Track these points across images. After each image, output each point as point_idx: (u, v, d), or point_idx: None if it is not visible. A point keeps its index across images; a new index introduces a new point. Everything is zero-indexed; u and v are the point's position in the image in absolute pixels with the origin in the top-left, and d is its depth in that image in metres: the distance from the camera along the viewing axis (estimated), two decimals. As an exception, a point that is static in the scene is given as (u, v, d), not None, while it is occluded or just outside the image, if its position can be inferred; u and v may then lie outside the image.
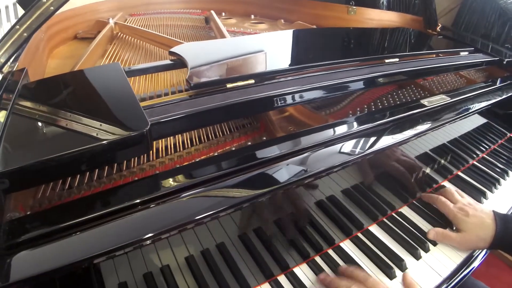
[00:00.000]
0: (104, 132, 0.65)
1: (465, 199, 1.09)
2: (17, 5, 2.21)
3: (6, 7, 2.14)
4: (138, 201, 0.66)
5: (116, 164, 0.81)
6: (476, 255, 1.02)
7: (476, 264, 1.00)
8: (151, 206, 0.67)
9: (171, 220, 0.66)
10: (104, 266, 0.64)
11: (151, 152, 0.87)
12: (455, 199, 1.08)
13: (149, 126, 0.67)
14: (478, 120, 1.40)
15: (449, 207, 1.04)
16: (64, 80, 0.88)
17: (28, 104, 0.75)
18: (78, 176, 0.76)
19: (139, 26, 1.75)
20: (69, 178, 0.76)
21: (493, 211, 1.02)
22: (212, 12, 1.96)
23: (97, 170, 0.78)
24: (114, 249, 0.61)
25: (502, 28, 1.83)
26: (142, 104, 0.76)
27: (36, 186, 0.71)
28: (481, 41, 1.82)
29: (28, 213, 0.64)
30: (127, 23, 1.79)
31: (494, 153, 1.47)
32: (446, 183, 1.24)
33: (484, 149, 1.45)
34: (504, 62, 1.57)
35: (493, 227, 0.98)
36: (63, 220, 0.60)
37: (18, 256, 0.55)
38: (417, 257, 0.95)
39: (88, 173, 0.78)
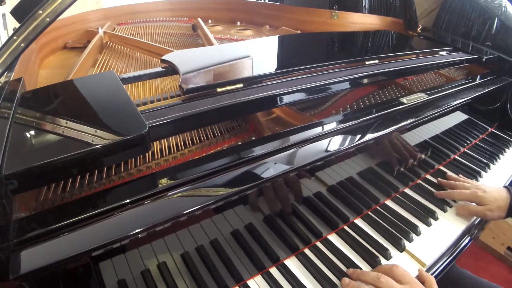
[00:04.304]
0: (106, 135, 0.69)
1: (474, 184, 1.21)
2: (5, 16, 2.23)
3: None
4: (132, 199, 0.70)
5: (114, 167, 0.85)
6: (459, 245, 1.06)
7: (455, 253, 1.04)
8: (145, 203, 0.70)
9: (162, 215, 0.70)
10: (103, 264, 0.68)
11: (147, 154, 0.91)
12: (467, 187, 1.18)
13: (147, 129, 0.71)
14: (459, 117, 1.45)
15: (467, 193, 1.15)
16: (62, 88, 0.91)
17: (28, 112, 0.78)
18: (79, 178, 0.80)
19: (128, 35, 1.77)
20: (71, 181, 0.80)
21: (504, 186, 1.20)
22: (199, 19, 1.99)
23: (97, 172, 0.82)
24: (110, 243, 0.64)
25: (482, 26, 1.87)
26: (139, 109, 0.79)
27: (41, 187, 0.75)
28: (461, 40, 1.86)
29: (33, 213, 0.67)
30: (116, 32, 1.81)
31: (475, 147, 1.52)
32: (428, 177, 1.29)
33: (465, 144, 1.50)
34: (483, 60, 1.61)
35: (509, 197, 1.11)
36: (65, 218, 0.64)
37: (26, 251, 0.59)
38: (401, 247, 0.99)
39: (89, 175, 0.82)
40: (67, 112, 0.78)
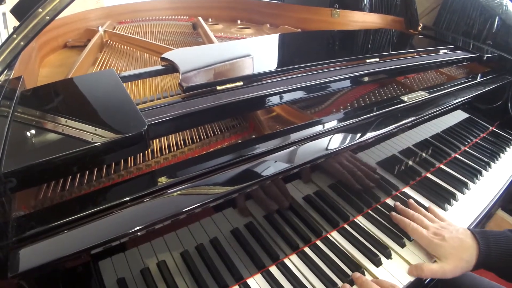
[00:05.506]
0: (105, 133, 0.69)
1: (436, 223, 1.01)
2: (5, 15, 2.22)
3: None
4: (132, 197, 0.70)
5: (114, 165, 0.85)
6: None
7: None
8: (145, 201, 0.70)
9: (161, 213, 0.69)
10: (103, 262, 0.68)
11: (147, 152, 0.91)
12: (426, 225, 1.00)
13: (146, 126, 0.71)
14: (460, 115, 1.45)
15: (422, 233, 0.96)
16: (61, 86, 0.91)
17: (27, 110, 0.78)
18: (79, 177, 0.80)
19: (128, 33, 1.77)
20: (70, 180, 0.80)
21: (468, 229, 0.96)
22: (199, 18, 1.99)
23: (96, 171, 0.82)
24: (109, 240, 0.64)
25: (483, 25, 1.87)
26: (138, 107, 0.79)
27: (40, 185, 0.75)
28: (462, 39, 1.86)
29: (32, 211, 0.67)
30: (116, 31, 1.81)
31: (476, 146, 1.51)
32: (429, 175, 1.29)
33: (466, 143, 1.49)
34: (484, 58, 1.60)
35: (475, 246, 0.90)
36: (64, 216, 0.64)
37: (25, 249, 0.59)
38: (402, 245, 0.99)
39: (88, 173, 0.81)
40: (67, 110, 0.79)
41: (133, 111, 0.76)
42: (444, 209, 1.14)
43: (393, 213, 1.06)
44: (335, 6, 2.11)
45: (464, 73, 1.69)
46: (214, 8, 2.31)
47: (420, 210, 1.08)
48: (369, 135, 1.00)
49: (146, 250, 0.74)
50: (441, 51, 1.57)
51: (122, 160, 0.86)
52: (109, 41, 1.70)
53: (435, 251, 0.94)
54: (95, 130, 0.70)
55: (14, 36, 0.81)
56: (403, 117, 1.10)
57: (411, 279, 0.91)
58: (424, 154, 1.27)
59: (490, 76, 1.55)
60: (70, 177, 0.79)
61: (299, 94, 1.05)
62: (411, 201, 1.12)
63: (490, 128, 1.65)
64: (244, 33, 2.05)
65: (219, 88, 0.97)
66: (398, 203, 1.10)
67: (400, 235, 1.01)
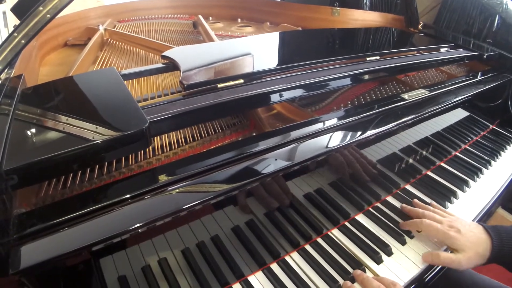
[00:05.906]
0: (106, 131, 0.69)
1: (447, 217, 1.01)
2: (6, 14, 2.22)
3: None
4: (132, 194, 0.70)
5: (115, 162, 0.85)
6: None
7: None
8: (145, 198, 0.70)
9: (162, 210, 0.70)
10: (104, 260, 0.68)
11: (148, 150, 0.91)
12: (438, 220, 0.99)
13: (147, 124, 0.71)
14: (460, 114, 1.44)
15: (437, 227, 0.96)
16: (62, 85, 0.91)
17: (28, 109, 0.78)
18: (80, 174, 0.80)
19: (128, 32, 1.77)
20: (71, 177, 0.80)
21: (479, 223, 0.98)
22: (200, 16, 1.99)
23: (97, 168, 0.82)
24: (110, 237, 0.64)
25: (483, 23, 1.87)
26: (139, 105, 0.79)
27: (41, 183, 0.75)
28: (462, 37, 1.86)
29: (33, 208, 0.67)
30: (116, 29, 1.81)
31: (476, 144, 1.51)
32: (430, 173, 1.29)
33: (467, 141, 1.49)
34: (484, 57, 1.61)
35: (489, 241, 0.92)
36: (65, 213, 0.64)
37: (26, 246, 0.59)
38: (403, 243, 0.99)
39: (89, 171, 0.81)
40: (67, 108, 0.79)
41: (134, 109, 0.76)
42: (444, 207, 1.14)
43: (402, 222, 1.04)
44: (335, 4, 2.11)
45: (464, 71, 1.69)
46: (215, 7, 2.31)
47: (427, 207, 1.07)
48: (370, 132, 1.00)
49: (147, 248, 0.74)
50: (442, 50, 1.57)
51: (123, 158, 0.86)
52: (109, 39, 1.70)
53: (452, 244, 0.94)
54: (96, 128, 0.70)
55: (15, 34, 0.82)
56: (404, 115, 1.10)
57: (412, 276, 0.91)
58: (424, 152, 1.27)
59: (490, 75, 1.55)
60: (71, 174, 0.79)
61: (300, 92, 1.06)
62: (416, 200, 1.12)
63: (491, 126, 1.65)
64: (244, 31, 2.05)
65: (219, 86, 0.97)
66: (404, 205, 1.10)
67: (401, 233, 1.01)
